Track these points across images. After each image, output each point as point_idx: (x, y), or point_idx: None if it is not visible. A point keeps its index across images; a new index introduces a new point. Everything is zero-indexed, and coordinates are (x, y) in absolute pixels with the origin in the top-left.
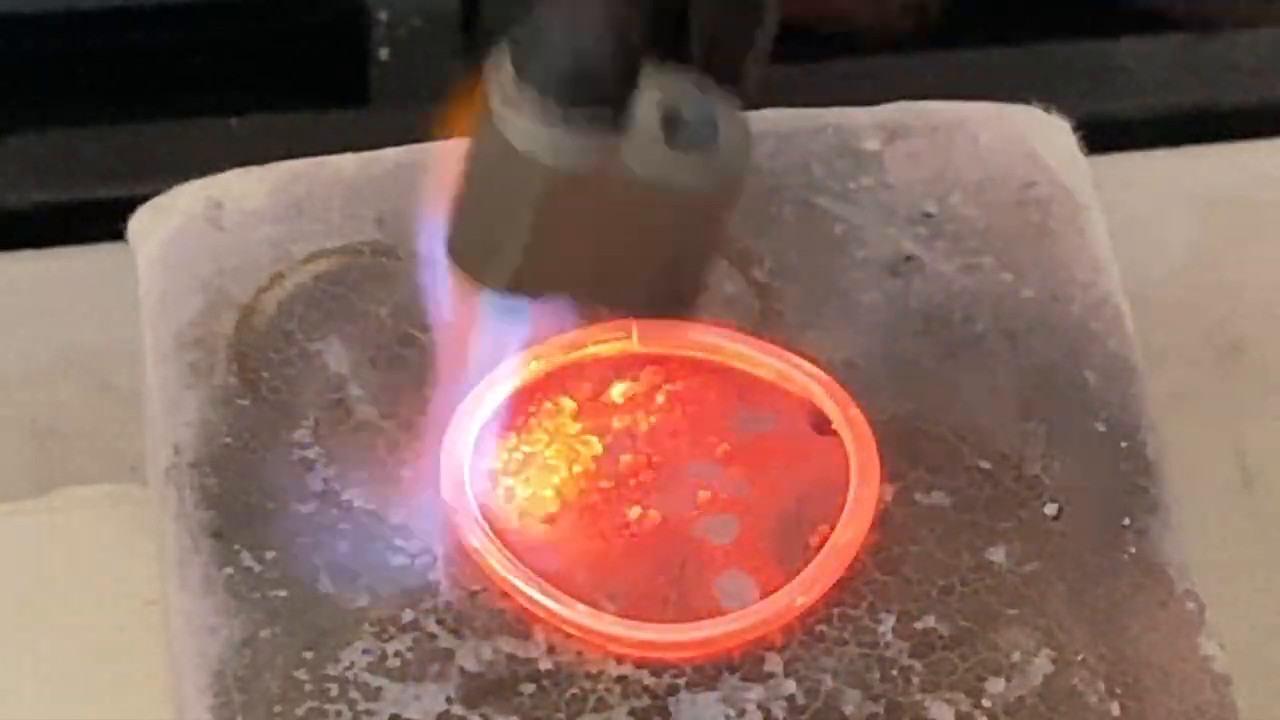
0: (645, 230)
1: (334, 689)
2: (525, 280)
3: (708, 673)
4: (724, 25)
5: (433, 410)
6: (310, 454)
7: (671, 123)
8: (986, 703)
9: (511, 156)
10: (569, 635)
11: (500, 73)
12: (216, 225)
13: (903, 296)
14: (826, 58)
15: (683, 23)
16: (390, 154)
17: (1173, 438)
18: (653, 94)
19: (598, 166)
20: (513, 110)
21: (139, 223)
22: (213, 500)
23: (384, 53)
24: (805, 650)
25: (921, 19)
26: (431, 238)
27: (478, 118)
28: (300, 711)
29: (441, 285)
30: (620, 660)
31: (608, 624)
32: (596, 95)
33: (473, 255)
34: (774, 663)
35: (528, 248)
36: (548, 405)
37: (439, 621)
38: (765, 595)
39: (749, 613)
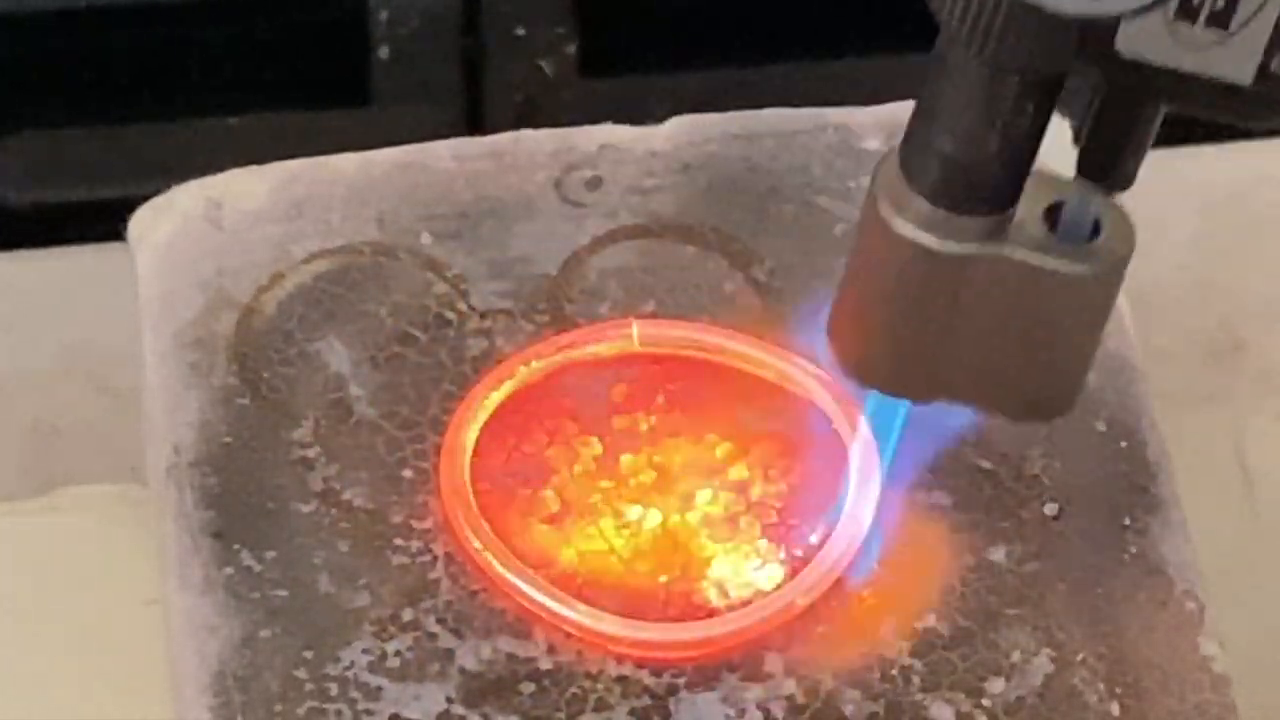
0: (1024, 327)
1: (334, 689)
2: (904, 379)
3: (708, 673)
4: (1108, 123)
5: (437, 408)
6: (310, 454)
7: (1052, 220)
8: (986, 703)
9: (897, 249)
10: (569, 635)
11: (889, 175)
12: (216, 225)
13: None
14: (826, 58)
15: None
16: (390, 154)
17: (1173, 438)
18: (1036, 192)
19: (979, 259)
20: (900, 214)
21: (139, 223)
22: (213, 500)
23: (384, 53)
24: (805, 650)
25: None
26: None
27: (865, 218)
28: (300, 711)
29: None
30: (620, 660)
31: (608, 624)
32: (980, 198)
33: (855, 353)
34: (774, 663)
35: (906, 344)
36: (548, 406)
37: (439, 621)
38: (765, 595)
39: (749, 613)
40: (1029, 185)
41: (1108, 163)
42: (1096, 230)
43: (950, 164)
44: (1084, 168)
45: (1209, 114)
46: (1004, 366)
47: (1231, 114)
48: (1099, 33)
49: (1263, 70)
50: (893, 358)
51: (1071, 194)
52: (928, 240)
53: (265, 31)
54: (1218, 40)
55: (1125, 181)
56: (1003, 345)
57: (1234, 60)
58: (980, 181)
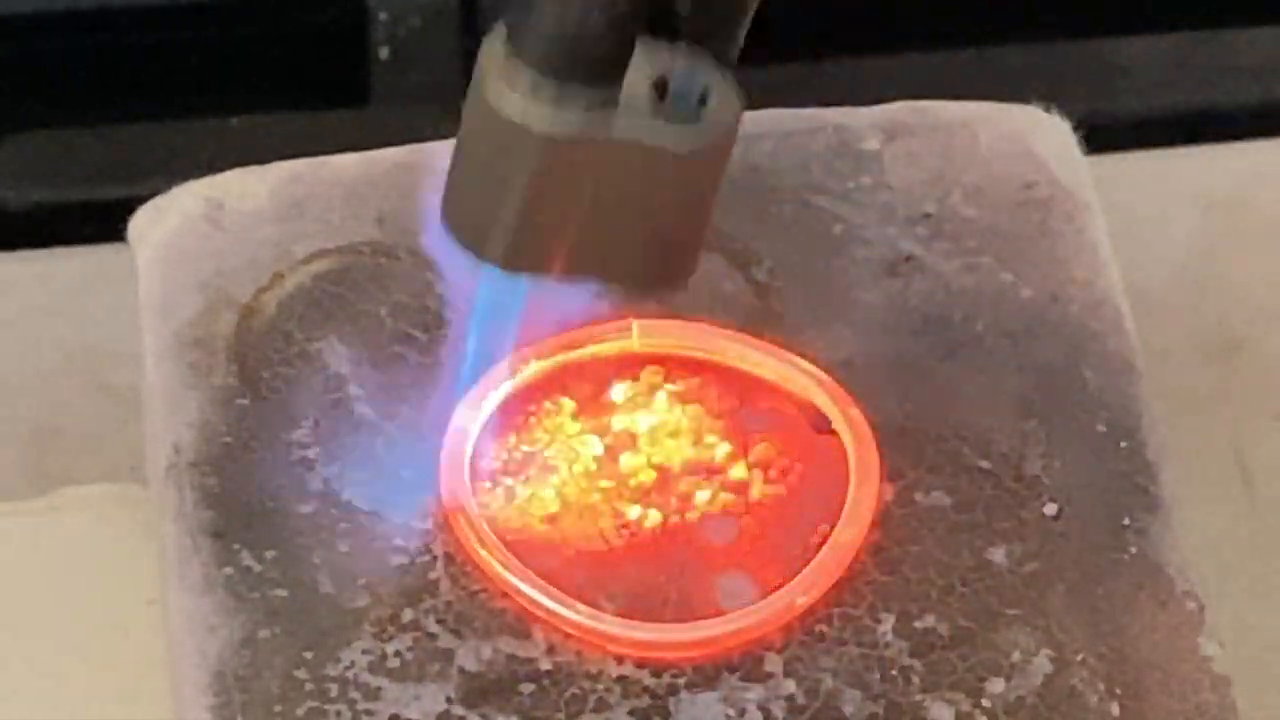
0: (637, 200)
1: (334, 689)
2: (521, 254)
3: (708, 673)
4: None
5: (434, 405)
6: (310, 454)
7: (660, 91)
8: (986, 703)
9: (505, 128)
10: (569, 635)
11: (494, 48)
12: (216, 225)
13: (902, 296)
14: (826, 58)
15: None
16: (390, 154)
17: (1173, 438)
18: (642, 64)
19: (589, 135)
20: (506, 85)
21: (139, 223)
22: (213, 500)
23: (384, 53)
24: (805, 650)
25: None
26: (434, 227)
27: (472, 94)
28: (300, 711)
29: (445, 277)
30: (620, 660)
31: (608, 624)
32: (588, 69)
33: (470, 229)
34: (774, 663)
35: (522, 219)
36: (548, 405)
37: (439, 621)
38: (765, 595)
39: (749, 613)
40: (636, 57)
41: (714, 29)
42: (704, 102)
43: (554, 32)
44: (691, 33)
45: None
46: (619, 240)
47: None
48: None
49: None
50: (507, 234)
51: (677, 63)
52: (536, 120)
53: (265, 31)
54: None
55: (731, 50)
56: (617, 219)
57: None
58: (585, 50)
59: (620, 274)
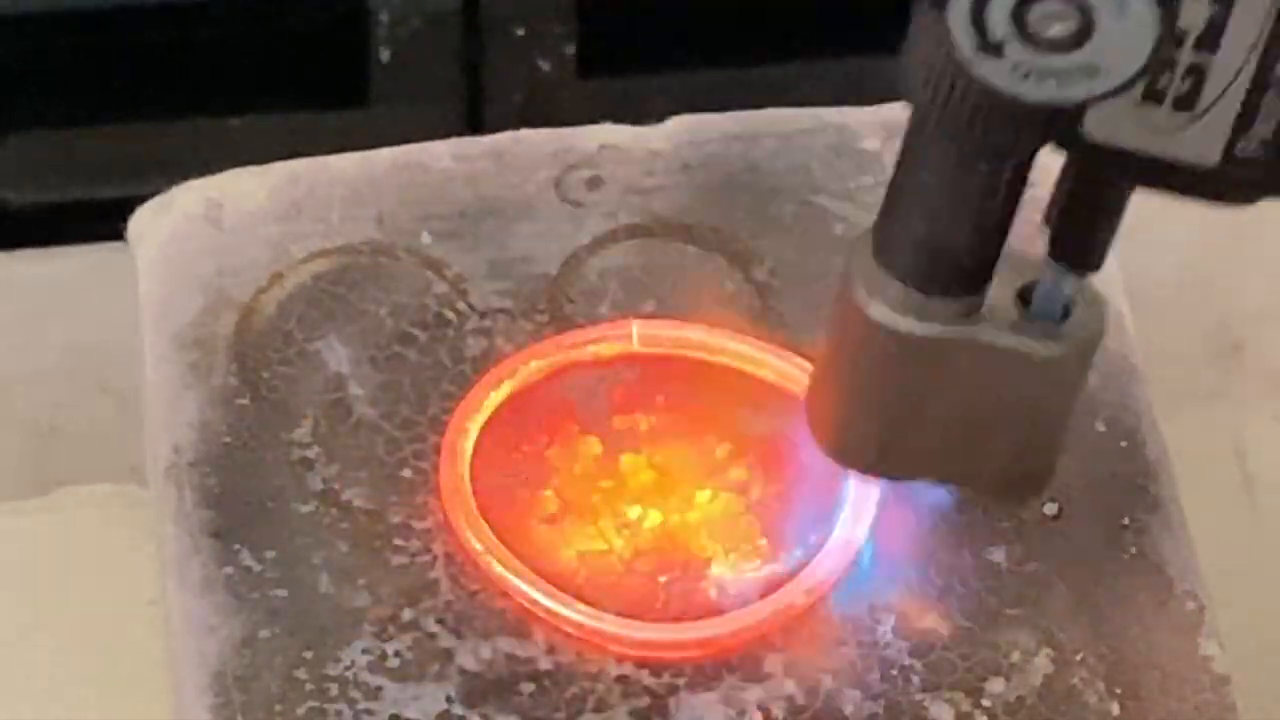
0: (997, 408)
1: (334, 689)
2: (883, 461)
3: (708, 673)
4: (1077, 206)
5: (437, 408)
6: (310, 454)
7: (1024, 301)
8: (986, 703)
9: (872, 334)
10: (569, 635)
11: (862, 259)
12: (216, 225)
13: None
14: (826, 58)
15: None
16: (390, 154)
17: (1173, 438)
18: (1007, 274)
19: (952, 341)
20: (875, 297)
21: (139, 223)
22: (213, 500)
23: (384, 53)
24: (805, 650)
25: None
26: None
27: (838, 301)
28: (300, 711)
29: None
30: (620, 660)
31: (608, 624)
32: (953, 281)
33: (835, 438)
34: (774, 663)
35: (882, 426)
36: (548, 406)
37: (439, 621)
38: (765, 595)
39: (749, 613)
40: (1002, 266)
41: (1079, 243)
42: (1068, 311)
43: (923, 248)
44: (1055, 248)
45: (1177, 194)
46: (978, 447)
47: (1199, 193)
48: (1067, 118)
49: (1228, 151)
50: (870, 439)
51: (1043, 275)
52: (901, 324)
53: (265, 31)
54: (1184, 123)
55: (1096, 262)
56: (977, 425)
57: (1200, 142)
58: (953, 265)
59: (978, 481)
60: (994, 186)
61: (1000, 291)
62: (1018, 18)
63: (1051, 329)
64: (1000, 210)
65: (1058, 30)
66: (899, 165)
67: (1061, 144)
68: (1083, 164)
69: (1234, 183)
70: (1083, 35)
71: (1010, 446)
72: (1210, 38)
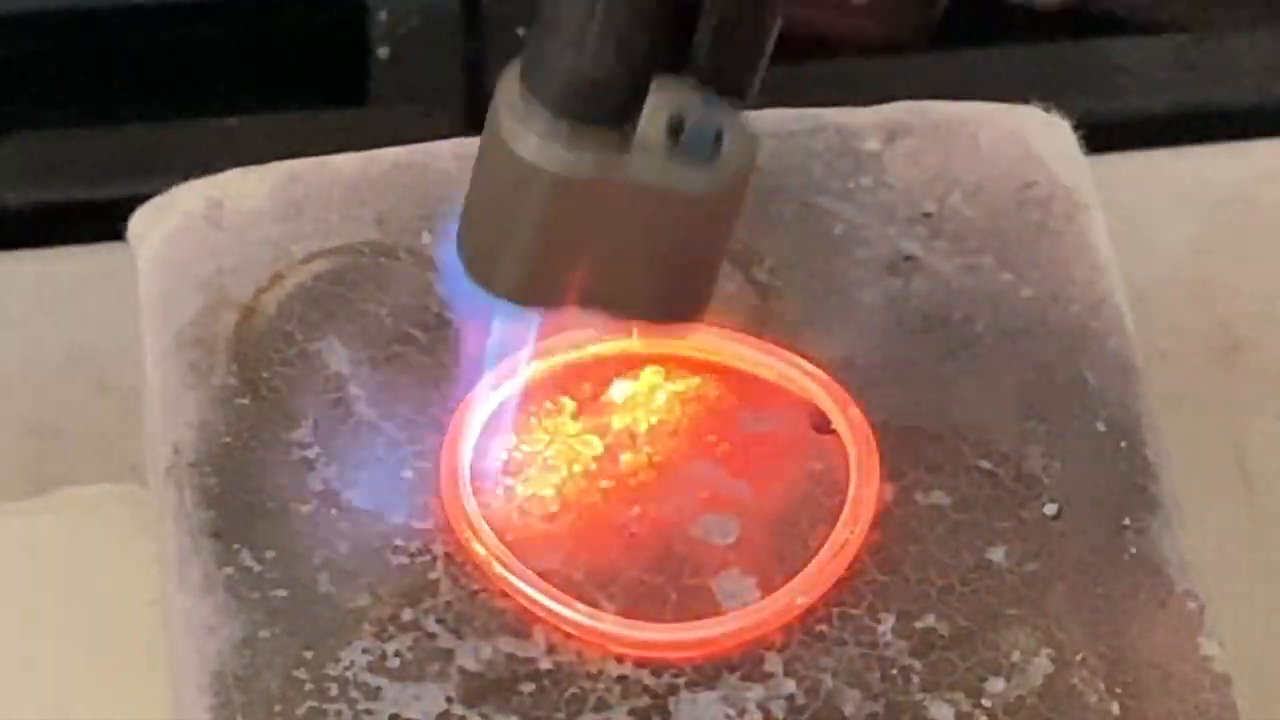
0: (651, 238)
1: (334, 689)
2: (534, 289)
3: (708, 673)
4: (728, 34)
5: (437, 408)
6: (310, 454)
7: (675, 131)
8: (986, 703)
9: (519, 168)
10: (569, 635)
11: (509, 87)
12: (216, 225)
13: (902, 296)
14: (826, 58)
15: (686, 33)
16: (390, 154)
17: (1173, 438)
18: (657, 104)
19: (603, 174)
20: (521, 126)
21: (139, 223)
22: (213, 500)
23: (384, 53)
24: (805, 650)
25: (924, 26)
26: (444, 244)
27: (487, 131)
28: (300, 711)
29: (452, 285)
30: (620, 660)
31: (608, 624)
32: (603, 110)
33: (483, 264)
34: (774, 663)
35: (535, 256)
36: (548, 405)
37: (439, 621)
38: (765, 595)
39: (749, 613)
40: (652, 97)
41: (729, 70)
42: (719, 142)
43: (571, 77)
44: (705, 75)
45: (826, 26)
46: (632, 276)
47: (844, 25)
48: None
49: None
50: (520, 270)
51: (693, 105)
52: (550, 159)
53: (265, 31)
54: None
55: (745, 88)
56: (630, 256)
57: None
58: (601, 95)
59: (632, 309)
60: (643, 12)
61: (651, 121)
62: None
63: (704, 160)
64: (651, 37)
65: None
66: None
67: None
68: None
69: (874, 13)
70: None
71: (663, 275)
72: None
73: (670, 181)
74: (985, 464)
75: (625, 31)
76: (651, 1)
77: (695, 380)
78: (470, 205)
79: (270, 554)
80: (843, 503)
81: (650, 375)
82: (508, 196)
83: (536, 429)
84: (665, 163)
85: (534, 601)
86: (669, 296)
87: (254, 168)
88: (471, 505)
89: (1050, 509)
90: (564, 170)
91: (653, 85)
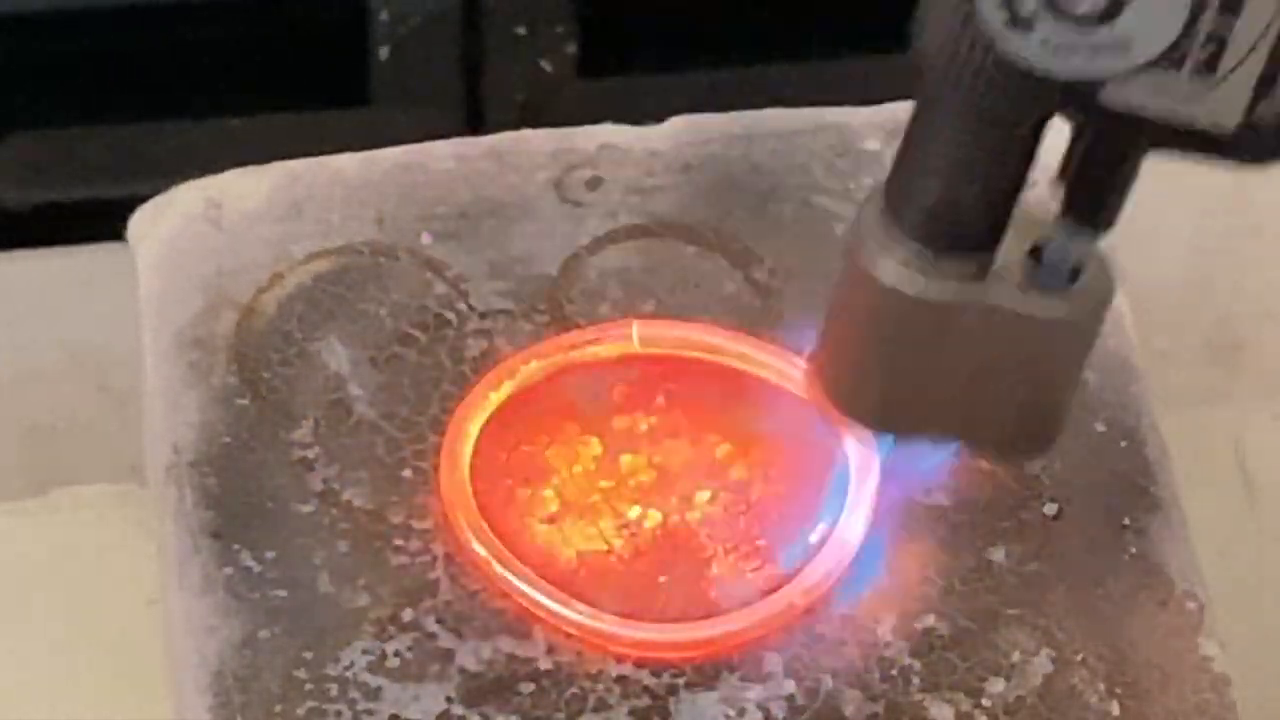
0: (1005, 367)
1: (334, 689)
2: (889, 415)
3: (708, 673)
4: (1091, 168)
5: (437, 408)
6: (310, 454)
7: (1035, 260)
8: (986, 703)
9: (879, 293)
10: (569, 635)
11: (872, 215)
12: (216, 225)
13: None
14: (826, 58)
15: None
16: (390, 154)
17: (1173, 438)
18: (1018, 233)
19: (962, 298)
20: (883, 253)
21: (139, 223)
22: (213, 500)
23: (384, 53)
24: (805, 650)
25: None
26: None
27: (848, 261)
28: (300, 711)
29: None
30: (620, 660)
31: (608, 624)
32: (964, 239)
33: (842, 391)
34: (774, 663)
35: (892, 382)
36: (548, 405)
37: (439, 621)
38: (765, 595)
39: (749, 613)
40: (1013, 226)
41: (1091, 203)
42: (1078, 271)
43: (935, 208)
44: (1068, 208)
45: (1193, 158)
46: (987, 404)
47: (1216, 158)
48: (1087, 85)
49: (1248, 117)
50: (877, 395)
51: (1054, 234)
52: (911, 285)
53: (265, 31)
54: (1203, 89)
55: (1107, 223)
56: (985, 384)
57: (1219, 107)
58: (964, 225)
59: (986, 438)
60: (1009, 148)
61: (1011, 251)
62: None
63: (1061, 290)
64: (1014, 170)
65: (1088, 4)
66: (912, 124)
67: (1078, 109)
68: (1098, 127)
69: (1252, 147)
70: (1114, 9)
71: (1017, 405)
72: (1232, 4)
73: (1028, 308)
74: (985, 464)
75: (992, 165)
76: (1017, 135)
77: (695, 380)
78: (829, 333)
79: (270, 554)
80: (843, 502)
81: (650, 375)
82: (867, 323)
83: (536, 429)
84: (1024, 289)
85: (534, 601)
86: (1021, 427)
87: (254, 168)
88: (471, 505)
89: (1050, 509)
90: (923, 294)
91: (1014, 214)
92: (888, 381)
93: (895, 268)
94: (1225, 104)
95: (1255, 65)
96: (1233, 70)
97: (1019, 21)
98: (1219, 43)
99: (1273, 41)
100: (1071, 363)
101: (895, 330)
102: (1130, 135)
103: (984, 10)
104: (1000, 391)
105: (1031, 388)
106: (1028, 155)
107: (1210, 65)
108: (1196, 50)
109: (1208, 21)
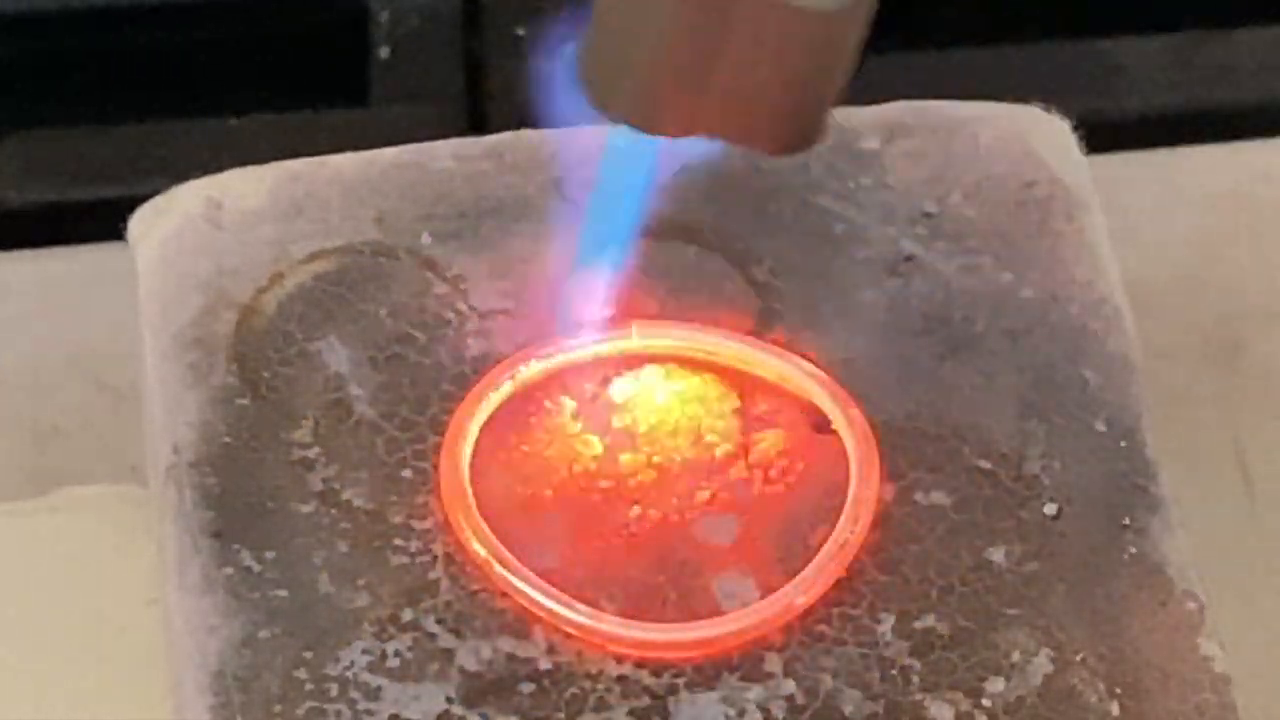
0: (772, 59)
1: (334, 689)
2: (656, 112)
3: (708, 673)
4: None
5: (437, 408)
6: (310, 454)
7: None
8: (986, 703)
9: None
10: (569, 635)
11: None
12: (216, 225)
13: (902, 296)
14: None
15: None
16: (390, 154)
17: (1173, 438)
18: None
19: None
20: None
21: (139, 223)
22: (213, 500)
23: (384, 53)
24: (805, 650)
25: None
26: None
27: None
28: (300, 711)
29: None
30: (620, 660)
31: (608, 624)
32: None
33: (605, 87)
34: (774, 663)
35: (659, 75)
36: (548, 405)
37: (439, 621)
38: (765, 595)
39: (749, 613)
40: None
41: None
42: None
43: None
44: None
45: None
46: (753, 99)
47: None
48: None
49: None
50: (649, 91)
51: None
52: None
53: (265, 31)
54: None
55: None
56: (752, 78)
57: None
58: None
59: (750, 134)
60: None
61: None
62: None
63: None
64: None
65: None
66: None
67: None
68: None
69: None
70: None
71: (783, 101)
72: None
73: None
74: (985, 464)
75: None
76: None
77: (695, 380)
78: (595, 27)
79: (270, 554)
80: (843, 503)
81: (650, 375)
82: (636, 13)
83: (536, 429)
84: None
85: (534, 601)
86: (787, 123)
87: (254, 168)
88: (471, 505)
89: (1050, 509)
90: None
91: None
92: (656, 76)
93: None
94: None
95: None
96: None
97: None
98: None
99: None
100: (839, 56)
101: (664, 18)
102: None
103: None
104: (766, 87)
105: (797, 83)
106: None
107: None
108: None
109: None
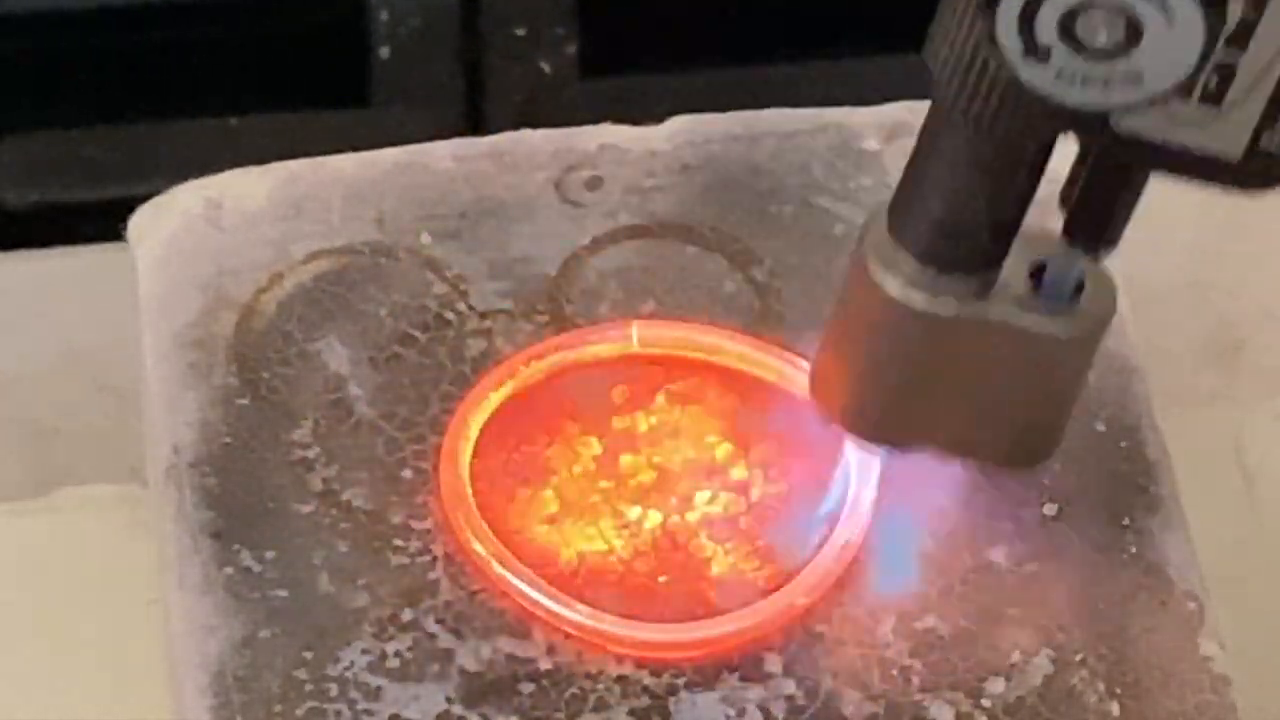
0: (1005, 382)
1: (334, 689)
2: (887, 429)
3: (708, 673)
4: (1095, 190)
5: (437, 408)
6: (310, 454)
7: (1036, 279)
8: (986, 703)
9: (883, 309)
10: (569, 635)
11: (877, 231)
12: (216, 225)
13: None
14: (826, 58)
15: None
16: (390, 154)
17: (1173, 438)
18: (1020, 252)
19: (964, 314)
20: (889, 271)
21: (139, 223)
22: (213, 500)
23: (384, 53)
24: (805, 650)
25: None
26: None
27: (851, 274)
28: (300, 711)
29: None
30: (620, 660)
31: (608, 624)
32: (967, 258)
33: (840, 403)
34: (774, 663)
35: (891, 397)
36: (547, 405)
37: (439, 621)
38: (765, 595)
39: (749, 613)
40: (1016, 244)
41: (1095, 225)
42: (1079, 290)
43: (940, 227)
44: (1070, 228)
45: (1198, 183)
46: (986, 418)
47: (1221, 184)
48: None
49: (1252, 145)
50: (876, 409)
51: (1056, 255)
52: (915, 299)
53: (265, 31)
54: (1210, 116)
55: (1109, 244)
56: (985, 399)
57: (1226, 135)
58: (968, 243)
59: (983, 451)
60: (1016, 171)
61: (1013, 269)
62: (1066, 24)
63: (1062, 308)
64: (1020, 192)
65: (1105, 38)
66: (919, 144)
67: (1085, 134)
68: (1105, 151)
69: (1255, 174)
70: (1129, 42)
71: (1015, 420)
72: (1241, 36)
73: (1029, 326)
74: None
75: (999, 187)
76: (1024, 159)
77: (695, 380)
78: (830, 346)
79: (270, 554)
80: (842, 503)
81: (650, 375)
82: (869, 337)
83: (536, 429)
84: (1025, 307)
85: (534, 601)
86: (1019, 440)
87: (254, 168)
88: (471, 505)
89: (1050, 509)
90: (926, 310)
91: (1019, 235)
92: (887, 396)
93: (899, 284)
94: (1231, 133)
95: (1261, 96)
96: (1239, 100)
97: (1035, 51)
98: (1227, 73)
99: (1278, 74)
100: (1071, 379)
101: (896, 345)
102: (1136, 160)
103: (1002, 38)
104: (999, 407)
105: (1030, 403)
106: (1034, 178)
107: (1218, 95)
108: (1205, 80)
109: (1217, 53)
